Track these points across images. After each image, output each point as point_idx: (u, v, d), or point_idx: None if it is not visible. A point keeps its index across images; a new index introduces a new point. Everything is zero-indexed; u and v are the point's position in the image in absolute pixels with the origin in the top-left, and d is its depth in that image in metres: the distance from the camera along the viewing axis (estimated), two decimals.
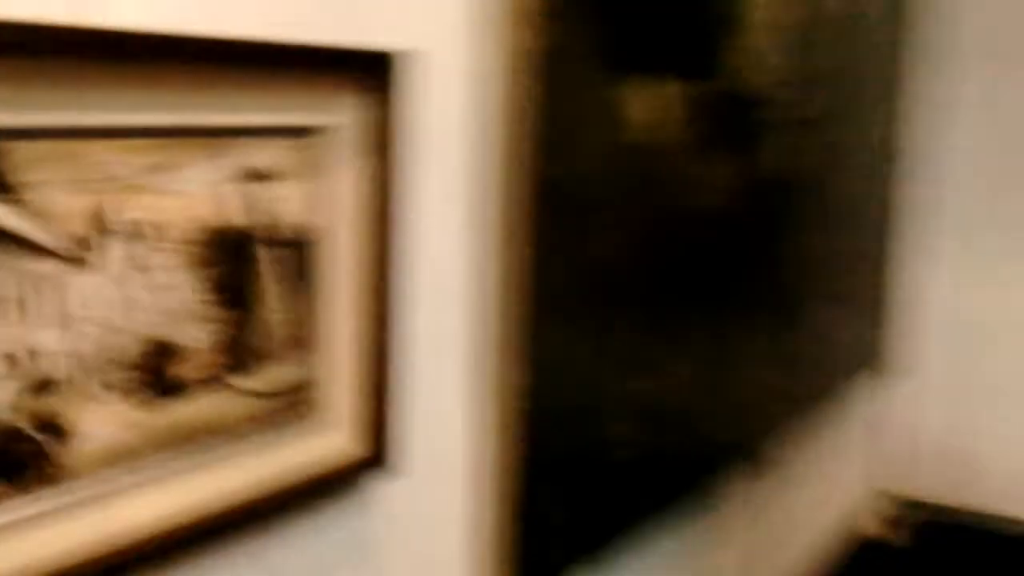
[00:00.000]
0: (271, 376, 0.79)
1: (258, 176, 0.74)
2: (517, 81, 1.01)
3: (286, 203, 0.77)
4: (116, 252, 0.65)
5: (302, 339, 0.81)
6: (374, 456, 0.89)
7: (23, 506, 0.64)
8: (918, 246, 2.30)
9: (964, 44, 2.21)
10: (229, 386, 0.76)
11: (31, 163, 0.60)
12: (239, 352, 0.76)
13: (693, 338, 1.41)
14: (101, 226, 0.64)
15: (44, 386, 0.63)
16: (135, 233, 0.66)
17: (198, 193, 0.70)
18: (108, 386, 0.67)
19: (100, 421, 0.67)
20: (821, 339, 1.85)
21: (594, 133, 1.15)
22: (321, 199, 0.80)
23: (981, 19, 2.19)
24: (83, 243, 0.63)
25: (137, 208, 0.66)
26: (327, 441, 0.85)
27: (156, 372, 0.70)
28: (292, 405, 0.81)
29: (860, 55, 1.87)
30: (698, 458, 1.48)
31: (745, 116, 1.47)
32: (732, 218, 1.46)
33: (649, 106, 1.23)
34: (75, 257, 0.63)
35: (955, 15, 2.21)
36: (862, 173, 1.97)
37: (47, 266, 0.62)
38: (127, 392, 0.68)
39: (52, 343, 0.63)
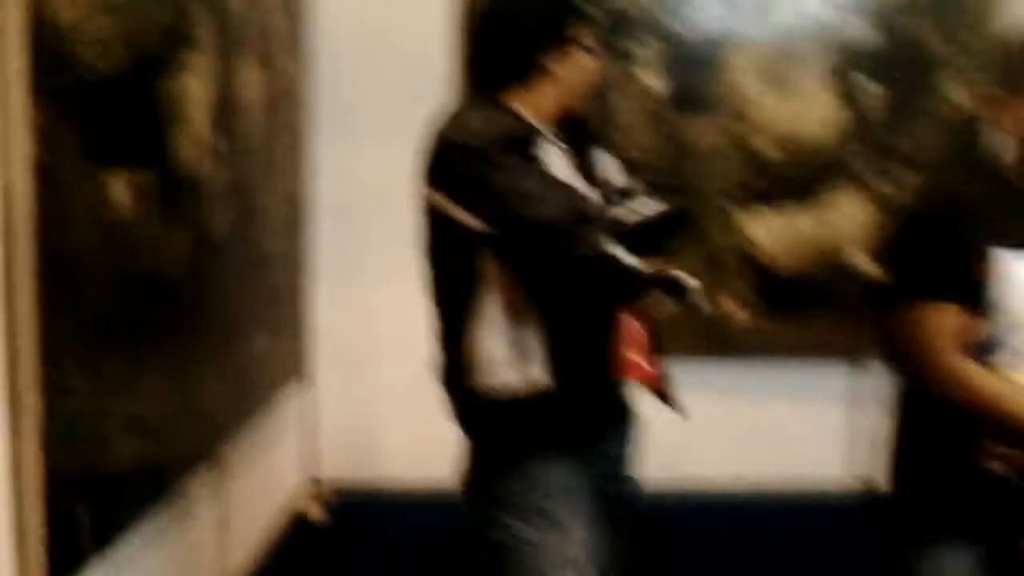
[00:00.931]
0: None
1: None
2: (22, 177, 1.33)
3: None
4: None
5: None
6: None
7: None
8: (316, 279, 2.82)
9: (339, 124, 2.80)
10: None
11: None
12: None
13: (166, 365, 1.78)
14: None
15: None
16: None
17: None
18: None
19: None
20: (259, 358, 2.31)
21: (82, 212, 1.49)
22: None
23: (352, 105, 2.79)
24: None
25: None
26: None
27: None
28: None
29: (271, 133, 2.37)
30: (177, 460, 1.86)
31: (191, 188, 1.88)
32: (189, 268, 1.86)
33: (123, 188, 1.60)
34: None
35: (334, 102, 2.81)
36: (278, 224, 2.47)
37: None
38: None
39: None
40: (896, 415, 1.87)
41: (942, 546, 1.77)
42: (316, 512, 2.75)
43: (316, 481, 2.86)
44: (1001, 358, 1.68)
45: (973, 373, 1.67)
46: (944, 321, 1.67)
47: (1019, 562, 1.74)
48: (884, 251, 1.89)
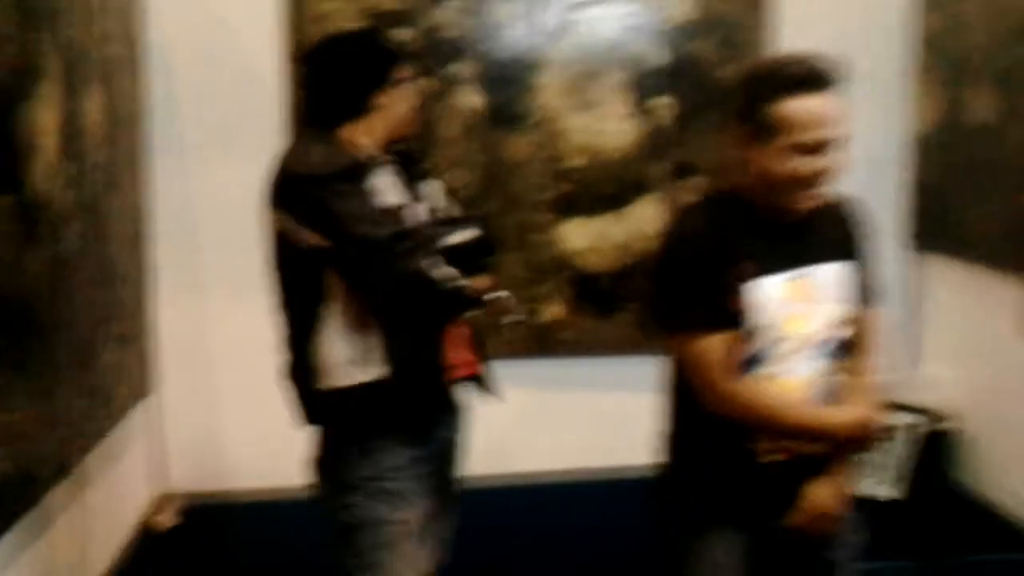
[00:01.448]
0: None
1: None
2: None
3: None
4: None
5: None
6: None
7: None
8: (159, 293, 2.86)
9: (176, 144, 2.88)
10: None
11: None
12: None
13: (27, 379, 1.86)
14: None
15: None
16: None
17: None
18: None
19: None
20: (111, 371, 2.37)
21: None
22: None
23: (187, 126, 2.87)
24: None
25: None
26: None
27: None
28: None
29: (113, 153, 2.44)
30: (38, 474, 1.92)
31: (45, 210, 1.96)
32: (45, 286, 1.94)
33: None
34: None
35: (170, 123, 2.88)
36: (123, 241, 2.52)
37: None
38: None
39: None
40: (669, 403, 2.01)
41: (710, 532, 1.92)
42: (167, 522, 2.81)
43: (167, 492, 2.92)
44: (767, 367, 1.88)
45: (744, 393, 1.86)
46: (712, 348, 1.84)
47: (779, 545, 1.93)
48: (648, 276, 1.96)
